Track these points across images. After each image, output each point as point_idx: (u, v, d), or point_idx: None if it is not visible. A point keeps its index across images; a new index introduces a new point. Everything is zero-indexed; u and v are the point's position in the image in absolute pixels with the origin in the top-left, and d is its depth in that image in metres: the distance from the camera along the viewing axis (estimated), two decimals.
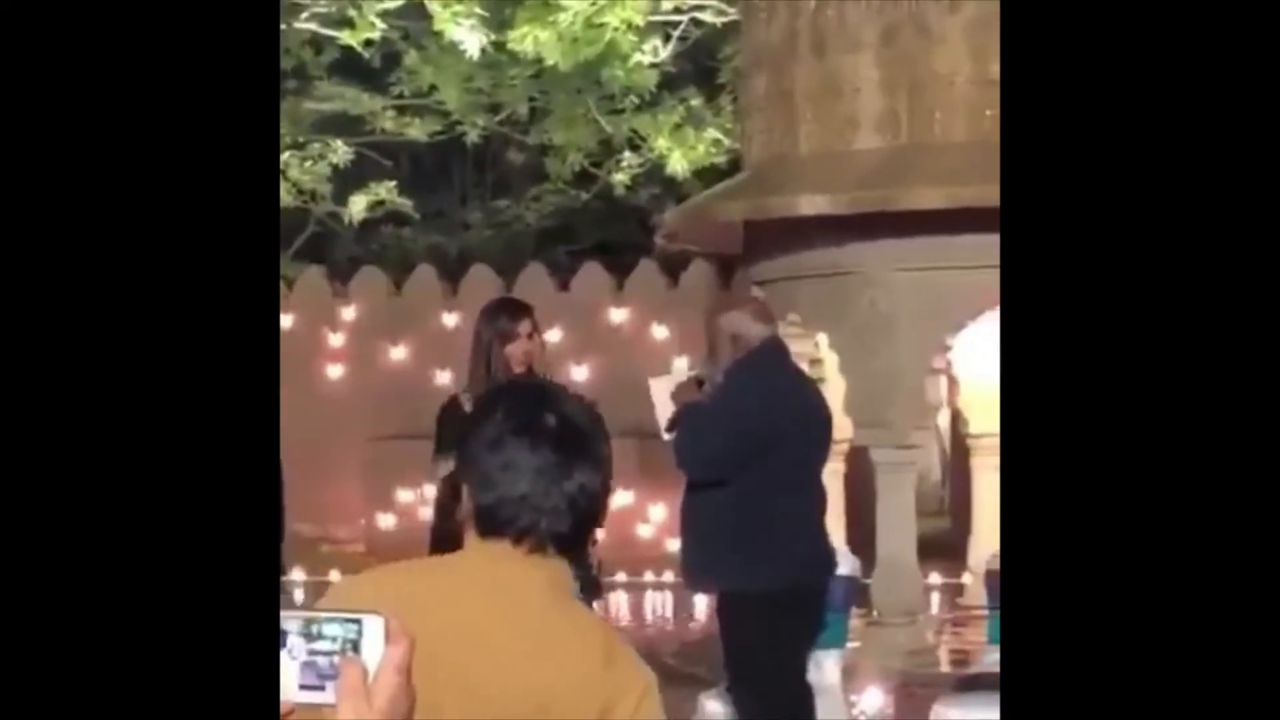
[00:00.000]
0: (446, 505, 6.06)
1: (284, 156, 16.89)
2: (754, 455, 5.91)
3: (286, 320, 15.68)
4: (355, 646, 1.68)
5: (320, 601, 2.49)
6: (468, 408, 6.22)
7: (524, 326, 6.23)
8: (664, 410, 6.43)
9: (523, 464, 2.45)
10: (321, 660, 1.69)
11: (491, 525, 2.47)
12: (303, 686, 1.68)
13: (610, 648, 2.46)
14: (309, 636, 1.69)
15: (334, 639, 1.69)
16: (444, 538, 5.99)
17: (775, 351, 6.29)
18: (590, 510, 2.51)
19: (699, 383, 6.25)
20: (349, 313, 15.77)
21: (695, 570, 6.31)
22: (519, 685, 2.36)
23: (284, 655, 1.69)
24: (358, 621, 1.69)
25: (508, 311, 6.40)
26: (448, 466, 6.10)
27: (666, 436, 6.28)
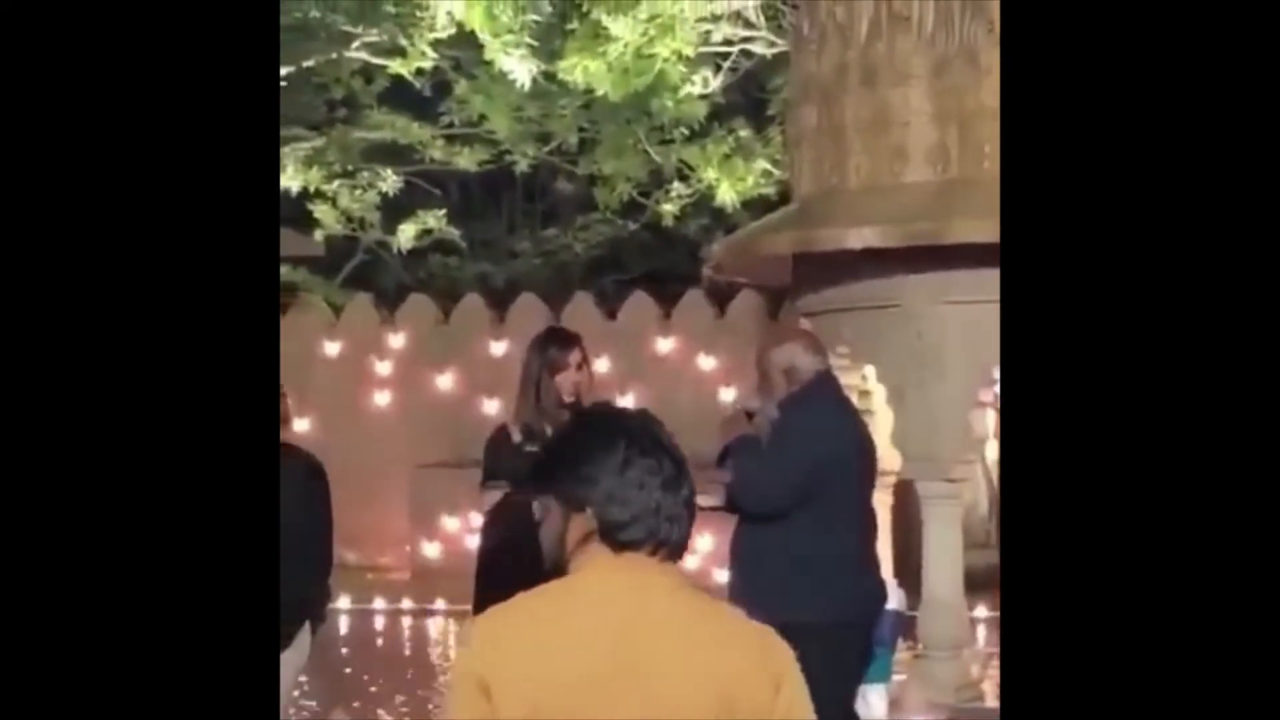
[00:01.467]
0: (495, 532, 6.06)
1: (333, 185, 16.98)
2: (811, 489, 5.89)
3: (334, 347, 15.73)
4: None
5: (463, 634, 2.63)
6: (516, 438, 6.23)
7: (574, 357, 6.24)
8: None
9: (651, 481, 2.65)
10: None
11: (628, 539, 2.65)
12: None
13: (758, 630, 2.67)
14: None
15: None
16: (492, 563, 5.99)
17: (829, 384, 6.27)
18: (693, 516, 2.73)
19: (748, 415, 6.22)
20: (397, 340, 15.82)
21: (744, 602, 6.26)
22: (700, 680, 2.53)
23: None
24: None
25: (557, 342, 6.41)
26: (495, 495, 6.10)
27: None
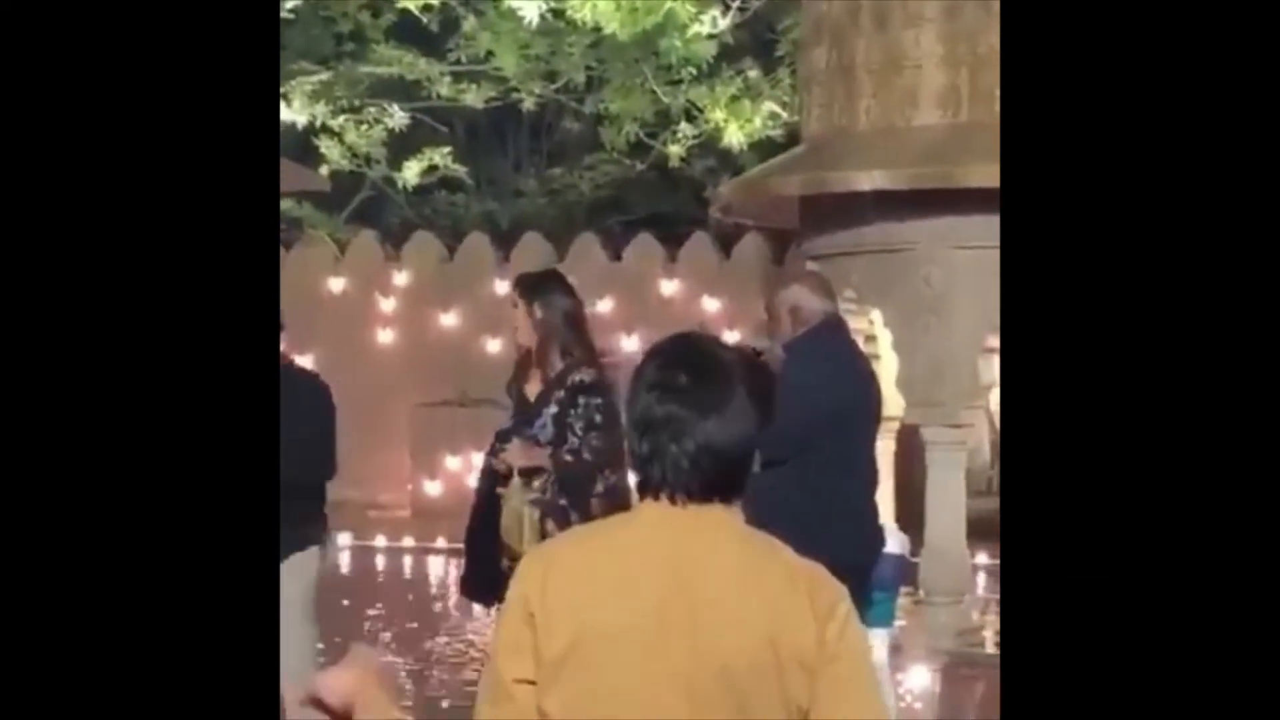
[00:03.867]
0: (490, 476, 6.02)
1: (340, 120, 16.89)
2: (816, 434, 5.82)
3: (338, 284, 15.68)
4: None
5: (519, 573, 2.56)
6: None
7: (509, 295, 6.21)
8: None
9: (655, 420, 2.55)
10: None
11: (641, 485, 2.58)
12: None
13: (808, 568, 2.59)
14: None
15: None
16: (485, 505, 5.97)
17: (836, 328, 6.20)
18: (723, 461, 2.56)
19: (756, 354, 6.14)
20: (401, 278, 15.77)
21: None
22: (747, 622, 2.47)
23: None
24: None
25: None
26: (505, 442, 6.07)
27: None
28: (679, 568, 2.49)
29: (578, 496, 5.80)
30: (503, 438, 5.94)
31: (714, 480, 2.55)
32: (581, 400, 5.85)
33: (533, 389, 6.03)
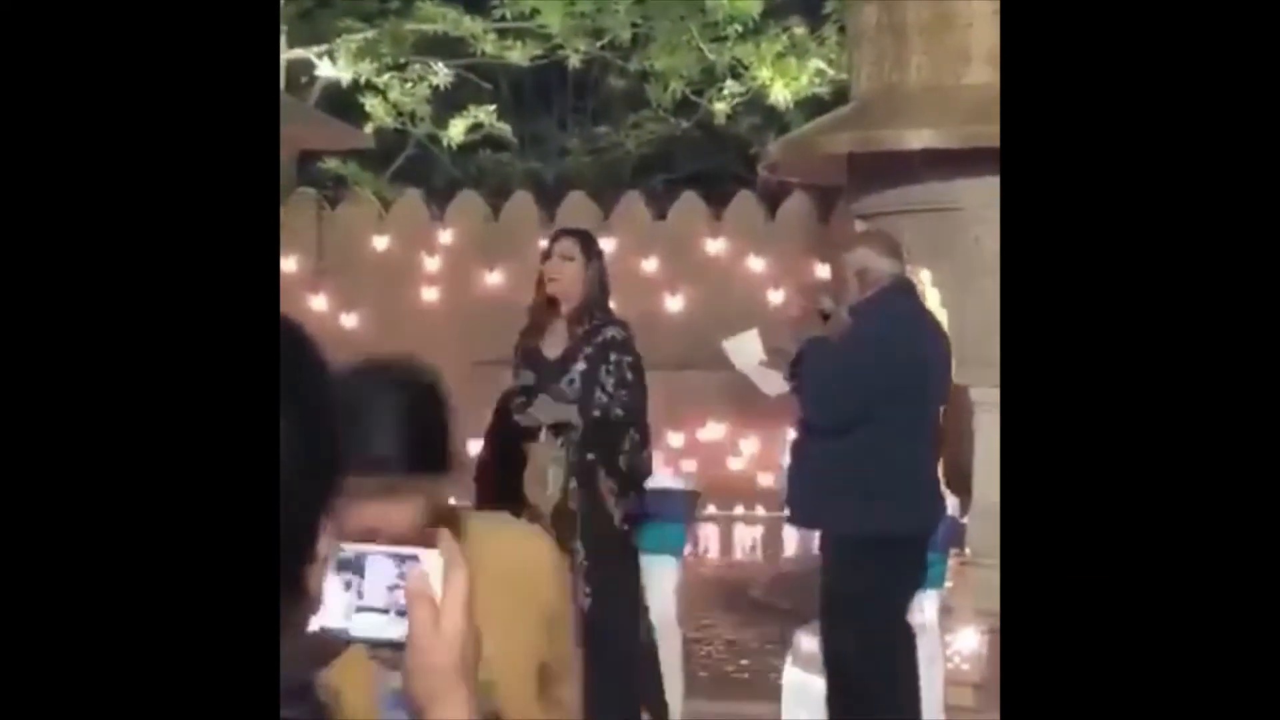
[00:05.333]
0: (494, 436, 6.01)
1: (384, 78, 16.86)
2: (883, 402, 5.69)
3: (383, 242, 15.69)
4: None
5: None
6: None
7: (559, 246, 6.12)
8: (749, 370, 6.27)
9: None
10: (380, 595, 1.64)
11: None
12: (360, 623, 1.63)
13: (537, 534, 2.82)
14: (366, 571, 1.64)
15: (394, 574, 1.64)
16: (490, 469, 5.96)
17: (906, 290, 6.05)
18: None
19: (824, 316, 6.01)
20: (446, 237, 15.75)
21: (804, 511, 6.14)
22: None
23: (339, 588, 1.64)
24: (415, 557, 1.64)
25: (556, 235, 6.32)
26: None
27: (779, 389, 6.07)
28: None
29: (606, 452, 5.81)
30: (525, 393, 5.91)
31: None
32: (614, 357, 5.86)
33: (551, 346, 6.00)
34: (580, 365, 5.86)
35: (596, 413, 5.80)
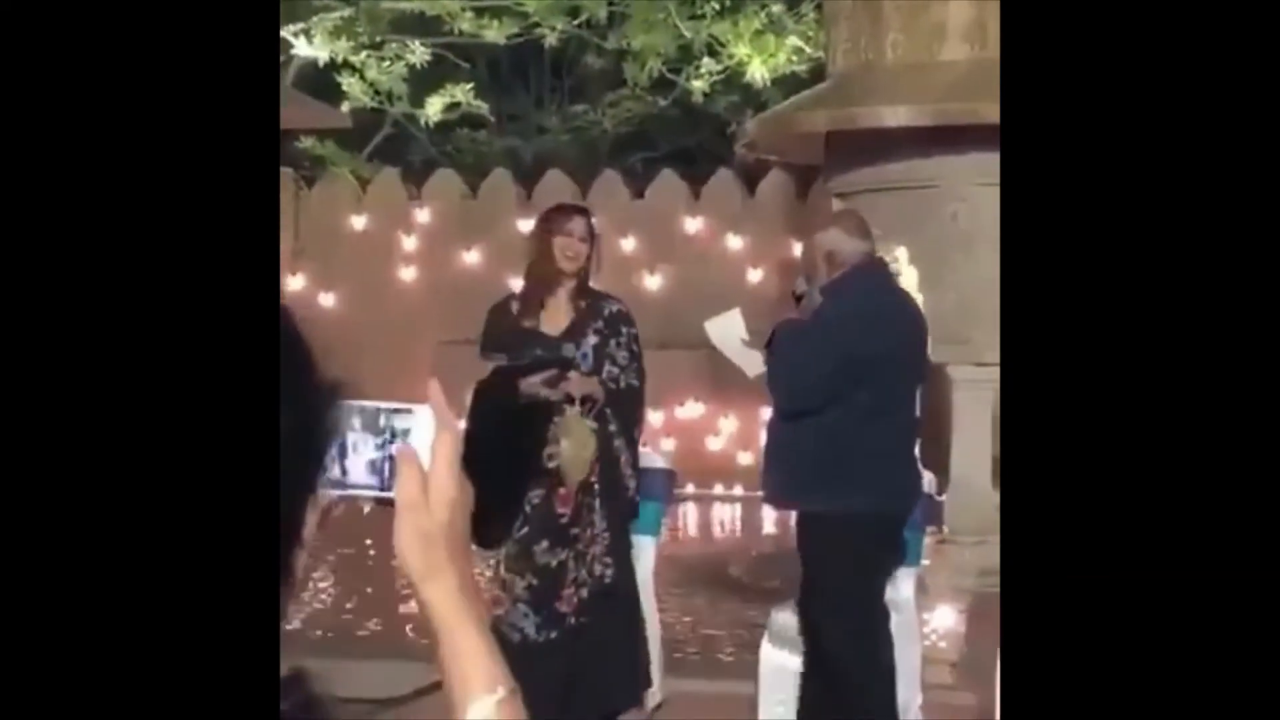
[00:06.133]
0: (480, 409, 5.98)
1: (361, 56, 16.79)
2: (853, 382, 5.68)
3: (360, 221, 15.63)
4: (408, 437, 1.65)
5: None
6: (515, 308, 6.13)
7: (575, 225, 6.07)
8: (731, 351, 6.28)
9: None
10: (379, 455, 1.66)
11: None
12: (355, 476, 1.65)
13: None
14: (372, 430, 1.66)
15: (390, 431, 1.65)
16: (477, 443, 5.94)
17: (875, 270, 6.03)
18: None
19: (796, 298, 6.03)
20: (423, 215, 15.71)
21: (778, 490, 6.15)
22: None
23: (345, 449, 1.66)
24: (410, 411, 1.66)
25: (564, 211, 6.28)
26: (489, 365, 6.02)
27: (760, 369, 6.06)
28: None
29: (627, 422, 5.89)
30: (536, 367, 5.88)
31: None
32: (624, 330, 5.93)
33: (550, 323, 5.99)
34: (592, 339, 5.91)
35: (612, 385, 5.87)
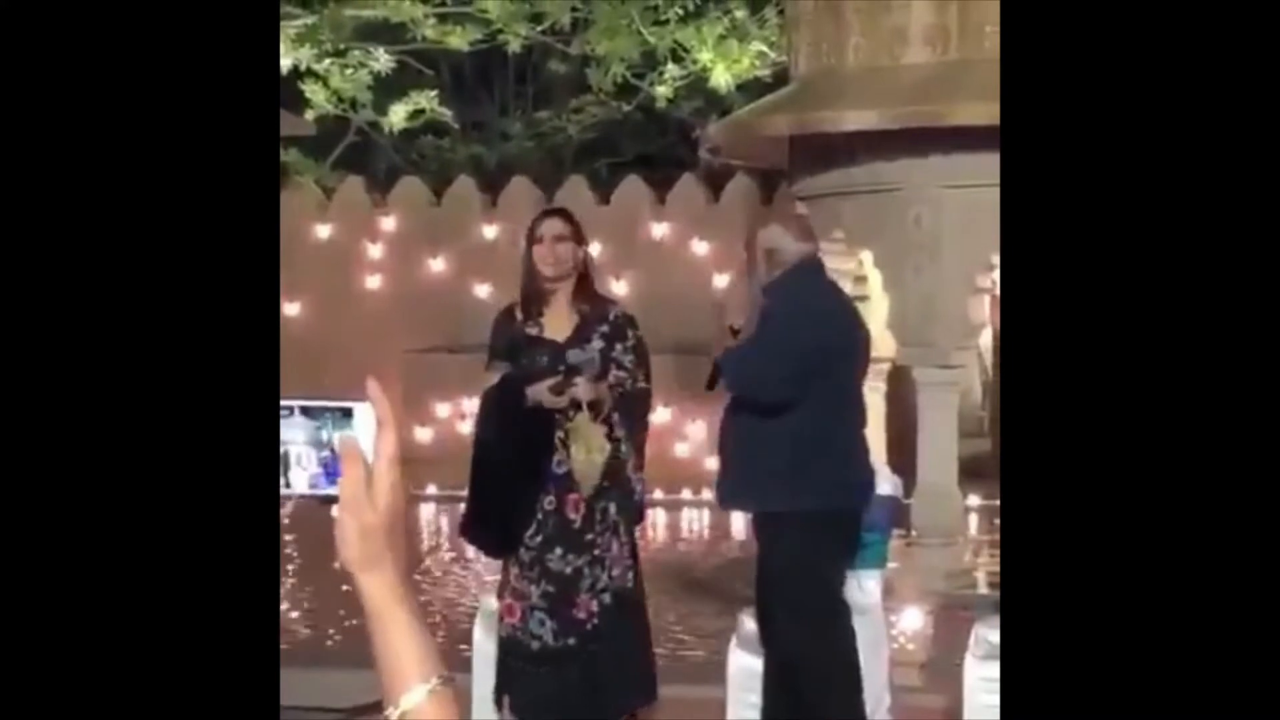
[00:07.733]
0: (487, 415, 5.96)
1: (325, 64, 16.75)
2: (798, 378, 5.76)
3: (325, 230, 15.59)
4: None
5: None
6: (519, 316, 6.11)
7: (548, 228, 6.05)
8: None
9: None
10: (327, 458, 1.70)
11: None
12: (312, 486, 1.67)
13: None
14: (316, 445, 1.67)
15: (330, 427, 1.68)
16: (484, 447, 5.91)
17: (814, 269, 6.11)
18: None
19: (733, 332, 6.08)
20: (388, 223, 15.68)
21: (731, 490, 6.19)
22: None
23: (291, 462, 1.67)
24: (350, 411, 1.67)
25: (541, 217, 6.27)
26: (496, 374, 6.00)
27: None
28: None
29: (634, 427, 5.88)
30: (543, 374, 5.86)
31: None
32: (630, 333, 5.91)
33: (553, 329, 5.97)
34: (597, 343, 5.89)
35: (622, 389, 5.86)
